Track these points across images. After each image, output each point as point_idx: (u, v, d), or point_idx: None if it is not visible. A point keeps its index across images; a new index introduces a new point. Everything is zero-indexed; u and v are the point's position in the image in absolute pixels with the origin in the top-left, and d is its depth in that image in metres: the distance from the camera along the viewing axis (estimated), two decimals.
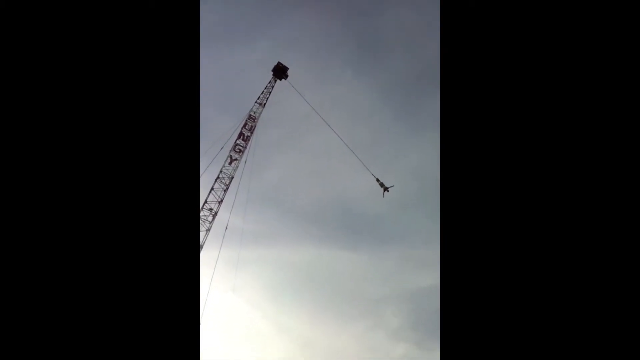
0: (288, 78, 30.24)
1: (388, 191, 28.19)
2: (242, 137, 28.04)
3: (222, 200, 25.72)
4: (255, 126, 28.77)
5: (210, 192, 25.57)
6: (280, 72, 29.94)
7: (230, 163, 27.04)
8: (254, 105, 29.17)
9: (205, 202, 25.18)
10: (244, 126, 28.39)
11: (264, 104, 29.45)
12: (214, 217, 24.97)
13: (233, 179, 26.64)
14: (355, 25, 69.06)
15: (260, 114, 29.10)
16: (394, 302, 57.97)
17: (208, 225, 24.61)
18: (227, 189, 26.25)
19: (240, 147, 27.77)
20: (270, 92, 29.78)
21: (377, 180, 28.27)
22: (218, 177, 26.23)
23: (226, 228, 25.68)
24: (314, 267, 61.20)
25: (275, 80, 29.96)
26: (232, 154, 27.38)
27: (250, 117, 28.74)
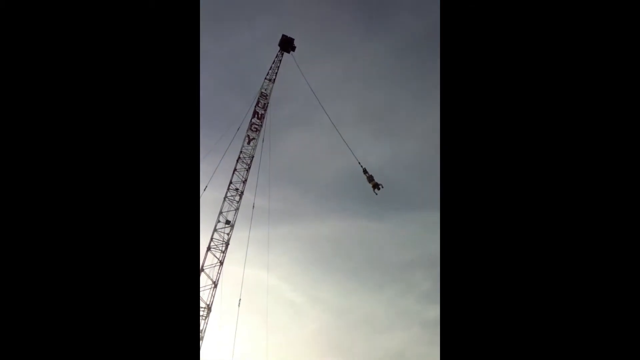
0: (295, 50, 29.73)
1: (379, 189, 21.53)
2: (256, 115, 27.84)
3: (246, 180, 25.73)
4: (268, 103, 28.51)
5: (233, 172, 25.58)
6: (286, 44, 29.47)
7: (248, 143, 26.94)
8: (264, 82, 28.90)
9: (231, 182, 25.24)
10: (257, 104, 28.16)
11: (274, 79, 29.10)
12: (240, 196, 25.02)
13: (254, 158, 26.62)
14: None
15: (271, 91, 28.79)
16: (422, 267, 58.18)
17: (236, 204, 24.70)
18: (249, 168, 26.22)
19: (256, 126, 27.58)
20: (278, 67, 29.39)
21: (365, 172, 22.04)
22: (239, 158, 26.20)
23: (253, 206, 25.80)
24: (341, 239, 61.72)
25: (282, 54, 29.51)
26: (249, 133, 27.26)
27: (262, 94, 28.48)
